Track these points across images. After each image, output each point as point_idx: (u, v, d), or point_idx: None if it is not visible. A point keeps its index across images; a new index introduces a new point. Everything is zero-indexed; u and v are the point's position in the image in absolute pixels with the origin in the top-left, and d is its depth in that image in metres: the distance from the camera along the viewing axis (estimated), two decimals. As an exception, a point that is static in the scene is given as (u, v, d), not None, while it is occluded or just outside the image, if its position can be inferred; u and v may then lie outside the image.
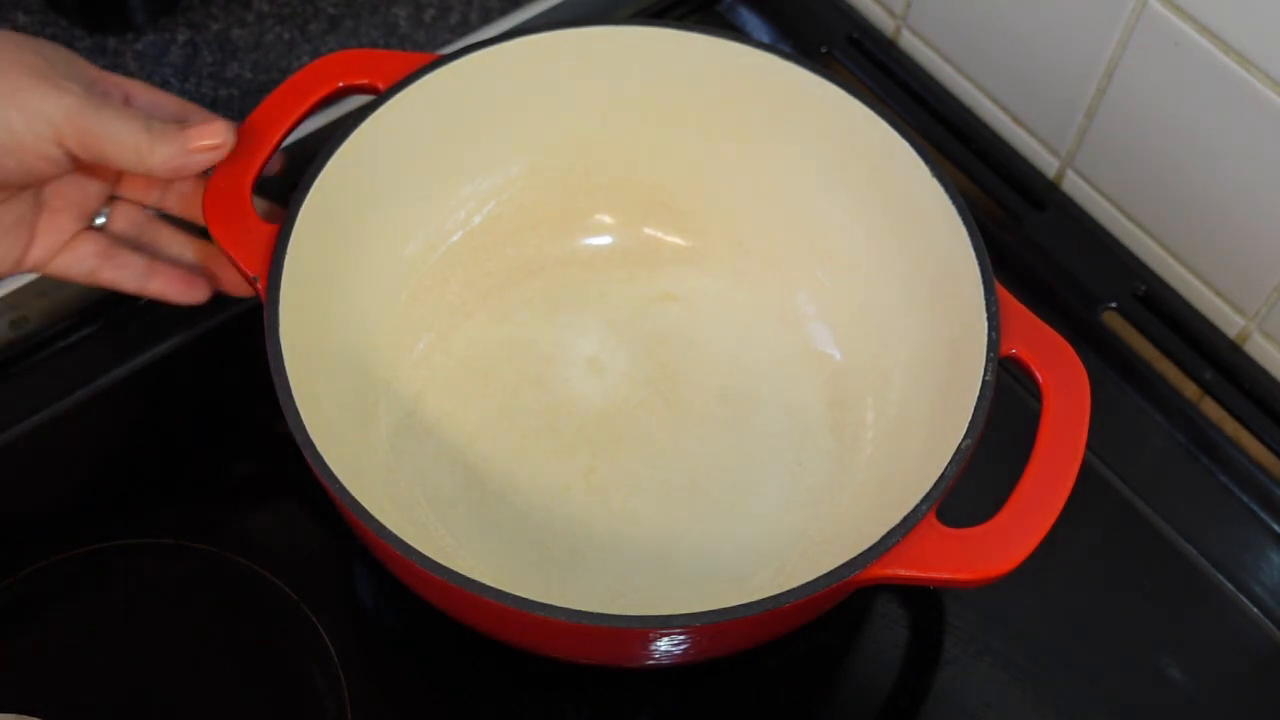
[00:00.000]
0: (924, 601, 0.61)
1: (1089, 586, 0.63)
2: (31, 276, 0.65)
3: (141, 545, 0.60)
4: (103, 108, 0.55)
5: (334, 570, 0.62)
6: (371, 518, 0.50)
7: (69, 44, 0.74)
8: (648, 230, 0.69)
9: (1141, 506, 0.65)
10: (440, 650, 0.59)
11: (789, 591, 0.50)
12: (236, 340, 0.66)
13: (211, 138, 0.56)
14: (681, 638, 0.51)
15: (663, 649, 0.53)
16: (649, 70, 0.65)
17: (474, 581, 0.49)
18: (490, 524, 0.61)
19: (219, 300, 0.62)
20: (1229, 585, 0.63)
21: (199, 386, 0.66)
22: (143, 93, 0.60)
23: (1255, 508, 0.65)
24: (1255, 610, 0.62)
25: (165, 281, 0.61)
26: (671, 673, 0.60)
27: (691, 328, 0.67)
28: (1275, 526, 0.65)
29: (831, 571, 0.50)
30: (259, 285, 0.56)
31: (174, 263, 0.62)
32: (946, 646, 0.60)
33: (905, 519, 0.51)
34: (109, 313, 0.67)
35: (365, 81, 0.61)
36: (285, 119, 0.60)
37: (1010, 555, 0.51)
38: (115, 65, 0.74)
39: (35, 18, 0.76)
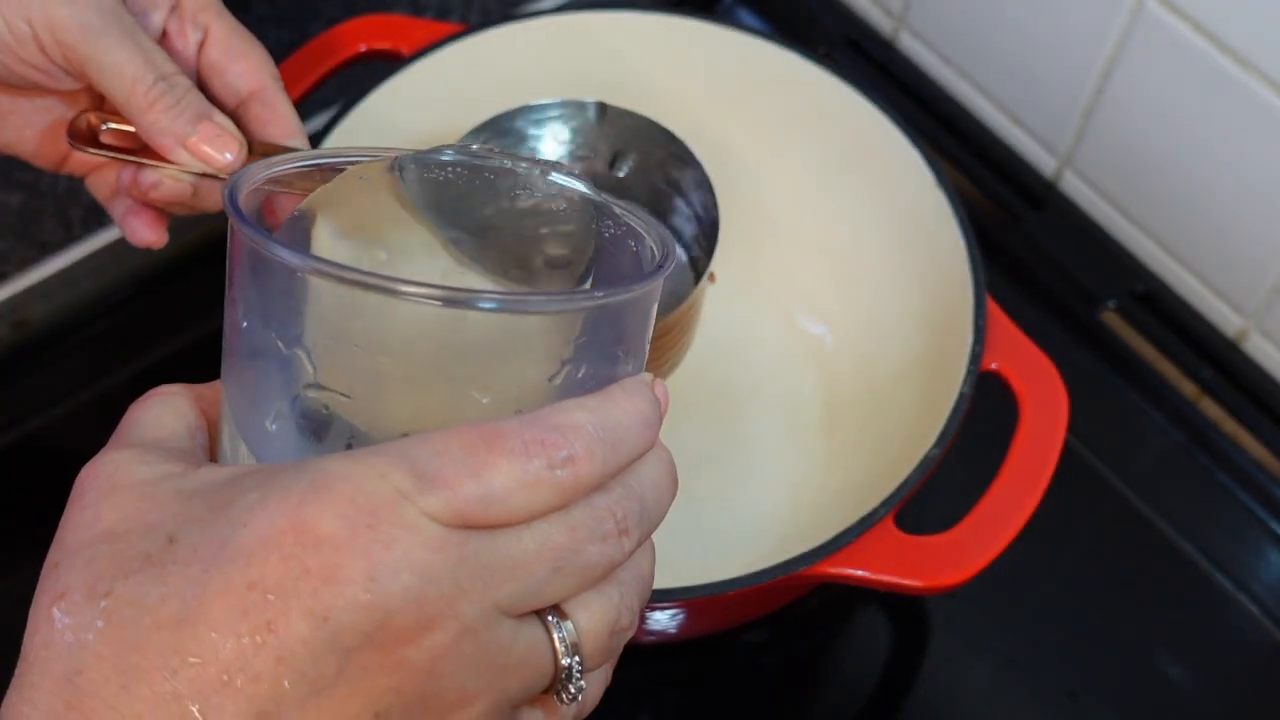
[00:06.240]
0: (925, 600, 0.62)
1: (1089, 586, 0.63)
2: (33, 280, 0.65)
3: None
4: (109, 32, 0.46)
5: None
6: None
7: (69, 47, 0.75)
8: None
9: (1141, 506, 0.65)
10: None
11: (729, 581, 0.50)
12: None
13: (215, 148, 0.48)
14: None
15: None
16: (672, 60, 0.65)
17: None
18: None
19: (220, 301, 0.62)
20: (1229, 584, 0.63)
21: (200, 388, 0.66)
22: (226, 43, 0.50)
23: (1255, 507, 0.65)
24: (1255, 609, 0.62)
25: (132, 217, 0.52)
26: (676, 671, 0.60)
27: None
28: (1274, 526, 0.65)
29: (778, 565, 0.50)
30: None
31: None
32: (947, 644, 0.61)
33: (861, 520, 0.51)
34: (110, 315, 0.67)
35: (389, 46, 0.61)
36: (305, 78, 0.60)
37: (964, 567, 0.51)
38: (115, 68, 0.74)
39: (35, 21, 0.75)
